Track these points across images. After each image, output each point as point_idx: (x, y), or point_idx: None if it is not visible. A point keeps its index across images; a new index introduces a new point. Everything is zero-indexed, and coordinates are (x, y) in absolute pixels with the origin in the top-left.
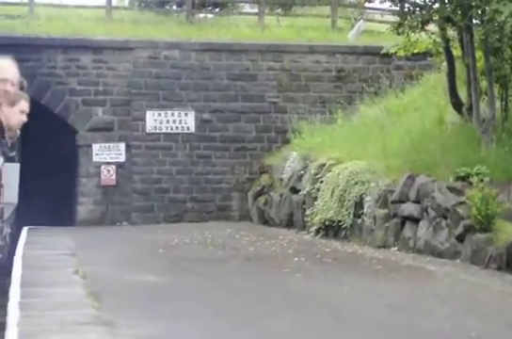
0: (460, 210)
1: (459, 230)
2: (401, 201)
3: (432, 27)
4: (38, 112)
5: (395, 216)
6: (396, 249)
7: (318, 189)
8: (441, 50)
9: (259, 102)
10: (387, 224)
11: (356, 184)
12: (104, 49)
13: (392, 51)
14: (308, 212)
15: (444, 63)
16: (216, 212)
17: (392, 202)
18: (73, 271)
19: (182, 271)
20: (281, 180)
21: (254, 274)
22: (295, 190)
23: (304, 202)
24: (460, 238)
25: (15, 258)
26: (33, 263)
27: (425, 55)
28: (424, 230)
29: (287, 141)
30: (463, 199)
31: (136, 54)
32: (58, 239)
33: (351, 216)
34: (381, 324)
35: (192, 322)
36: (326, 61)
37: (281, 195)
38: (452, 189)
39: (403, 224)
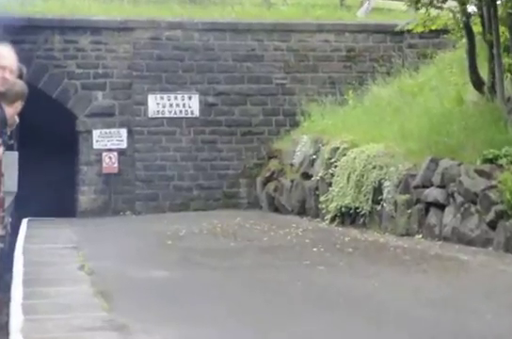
0: (491, 194)
1: (491, 216)
2: (424, 186)
3: (450, 3)
4: (35, 97)
5: (418, 201)
6: (421, 236)
7: (332, 174)
8: (461, 26)
9: (266, 83)
10: (409, 211)
11: (374, 168)
12: (102, 30)
13: (408, 27)
14: (322, 198)
15: (463, 40)
16: (224, 199)
17: (415, 187)
18: (79, 267)
19: (194, 265)
20: (292, 165)
21: (273, 267)
22: (307, 176)
23: (317, 188)
24: (492, 225)
25: (16, 253)
26: (35, 258)
27: (439, 32)
28: (450, 216)
29: (296, 124)
30: (493, 182)
31: (137, 34)
32: (60, 231)
33: (369, 202)
34: (423, 324)
35: (212, 325)
36: (335, 40)
37: (293, 181)
38: (480, 173)
39: (427, 210)
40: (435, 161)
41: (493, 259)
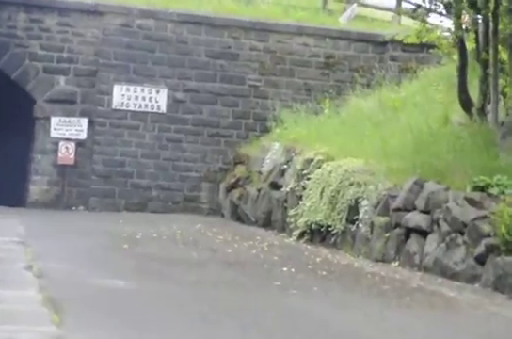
0: (482, 226)
1: (480, 249)
2: (405, 210)
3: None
4: None
5: (398, 225)
6: (397, 264)
7: (304, 187)
8: (455, 41)
9: (238, 84)
10: (387, 234)
11: (351, 185)
12: (71, 11)
13: (399, 37)
14: (291, 212)
15: (452, 56)
16: (184, 203)
17: (395, 210)
18: (25, 267)
19: (153, 276)
20: (260, 173)
21: (241, 286)
22: (275, 186)
23: (286, 201)
24: (481, 259)
25: None
26: None
27: (423, 47)
28: (433, 245)
29: (267, 130)
30: (485, 213)
31: (107, 20)
32: (6, 223)
33: (343, 221)
34: None
35: None
36: (314, 45)
37: (259, 190)
38: (470, 201)
39: (407, 236)
40: (419, 183)
41: (482, 298)
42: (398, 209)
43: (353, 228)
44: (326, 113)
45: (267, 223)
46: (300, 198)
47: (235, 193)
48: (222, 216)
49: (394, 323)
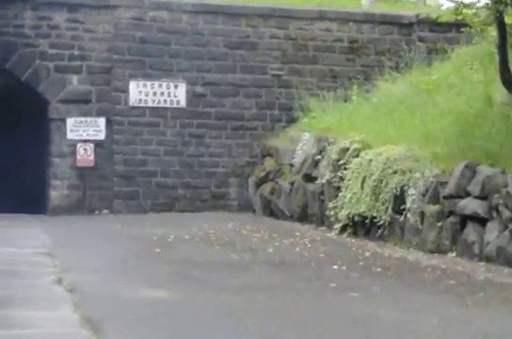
0: None
1: None
2: (458, 196)
3: None
4: (1, 80)
5: (452, 214)
6: (455, 254)
7: (342, 178)
8: (487, 18)
9: (260, 74)
10: (440, 224)
11: (394, 173)
12: (80, 7)
13: (435, 16)
14: (330, 205)
15: (486, 34)
16: (212, 200)
17: (446, 197)
18: (55, 280)
19: (196, 283)
20: (291, 165)
21: (294, 290)
22: (309, 178)
23: (322, 193)
24: None
25: None
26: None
27: (451, 26)
28: (494, 233)
29: (293, 120)
30: None
31: (119, 14)
32: (30, 232)
33: (389, 211)
34: None
35: None
36: (337, 30)
37: (292, 183)
38: None
39: (463, 224)
40: (471, 167)
41: None
42: (450, 196)
43: (400, 218)
44: (354, 100)
45: (303, 217)
46: (338, 189)
47: (266, 187)
48: (253, 212)
49: (479, 327)
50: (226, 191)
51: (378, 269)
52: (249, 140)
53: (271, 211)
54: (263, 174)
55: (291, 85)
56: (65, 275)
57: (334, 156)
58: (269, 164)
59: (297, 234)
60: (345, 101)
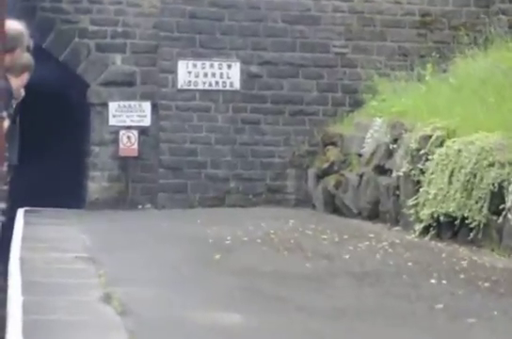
0: None
1: None
2: None
3: None
4: (37, 60)
5: None
6: None
7: (423, 171)
8: None
9: (322, 52)
10: None
11: (491, 166)
12: None
13: None
14: (410, 202)
15: None
16: (267, 194)
17: None
18: (102, 297)
19: (270, 302)
20: (360, 155)
21: (397, 315)
22: (382, 170)
23: (398, 188)
24: None
25: (11, 268)
26: (37, 279)
27: None
28: None
29: (358, 104)
30: None
31: None
32: (67, 231)
33: (484, 211)
34: None
35: None
36: (407, 2)
37: (361, 176)
38: None
39: None
40: None
41: None
42: None
43: (498, 219)
44: (428, 80)
45: (374, 215)
46: (418, 183)
47: (330, 180)
48: (313, 207)
49: None
50: (282, 184)
51: (486, 284)
52: (309, 127)
53: (335, 207)
54: (325, 165)
55: (356, 64)
56: (113, 289)
57: (413, 145)
58: (332, 154)
59: (371, 235)
60: (419, 81)
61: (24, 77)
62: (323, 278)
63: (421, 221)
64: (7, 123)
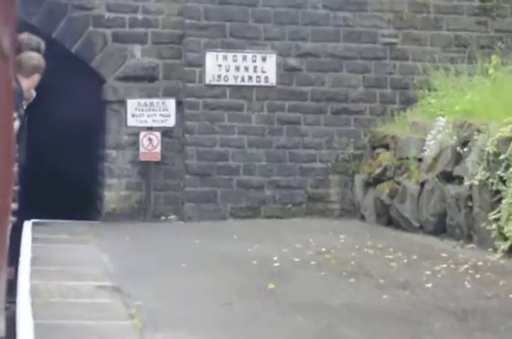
0: None
1: None
2: None
3: None
4: (47, 51)
5: None
6: None
7: (503, 179)
8: None
9: (369, 42)
10: None
11: None
12: None
13: None
14: (491, 216)
15: None
16: (307, 204)
17: None
18: None
19: None
20: (420, 160)
21: None
22: (449, 177)
23: (470, 198)
24: None
25: (19, 303)
26: (52, 319)
27: None
28: None
29: (410, 101)
30: None
31: None
32: (83, 250)
33: None
34: None
35: None
36: None
37: (423, 183)
38: None
39: None
40: None
41: None
42: None
43: None
44: (492, 73)
45: (440, 230)
46: (498, 194)
47: (383, 188)
48: (361, 218)
49: None
50: (325, 192)
51: None
52: (355, 127)
53: (389, 219)
54: (378, 171)
55: (407, 56)
56: (150, 335)
57: (490, 149)
58: (385, 157)
59: (444, 255)
60: (481, 75)
61: (35, 78)
62: (413, 317)
63: (505, 239)
64: (17, 124)
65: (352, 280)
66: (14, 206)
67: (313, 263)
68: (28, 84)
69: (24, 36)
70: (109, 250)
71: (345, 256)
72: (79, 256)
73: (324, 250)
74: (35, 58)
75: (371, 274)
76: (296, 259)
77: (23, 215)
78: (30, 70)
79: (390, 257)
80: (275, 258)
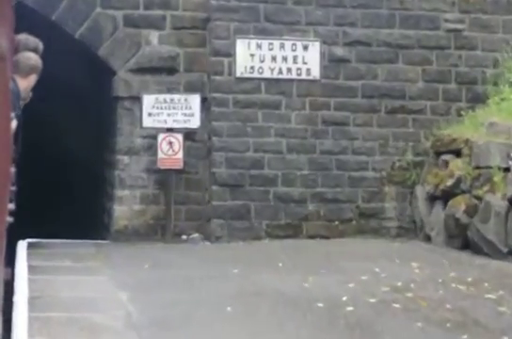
0: None
1: None
2: None
3: None
4: (46, 36)
5: None
6: None
7: None
8: None
9: (429, 29)
10: None
11: None
12: None
13: None
14: None
15: None
16: (358, 220)
17: None
18: None
19: None
20: (506, 170)
21: None
22: None
23: None
24: None
25: None
26: None
27: None
28: None
29: (480, 99)
30: None
31: None
32: (94, 284)
33: None
34: None
35: None
36: None
37: (511, 200)
38: None
39: None
40: None
41: None
42: None
43: None
44: None
45: None
46: None
47: (458, 204)
48: (426, 239)
49: None
50: (379, 207)
51: None
52: (414, 129)
53: (465, 241)
54: (450, 183)
55: (475, 45)
56: None
57: None
58: (457, 166)
59: None
60: None
61: (32, 79)
62: None
63: None
64: (14, 124)
65: (465, 336)
66: (11, 206)
67: (397, 306)
68: (25, 84)
69: (22, 36)
70: (127, 286)
71: (433, 295)
72: (90, 295)
73: (400, 284)
74: (32, 59)
75: (483, 324)
76: (372, 300)
77: (14, 232)
78: (27, 70)
79: (491, 297)
80: (344, 298)
